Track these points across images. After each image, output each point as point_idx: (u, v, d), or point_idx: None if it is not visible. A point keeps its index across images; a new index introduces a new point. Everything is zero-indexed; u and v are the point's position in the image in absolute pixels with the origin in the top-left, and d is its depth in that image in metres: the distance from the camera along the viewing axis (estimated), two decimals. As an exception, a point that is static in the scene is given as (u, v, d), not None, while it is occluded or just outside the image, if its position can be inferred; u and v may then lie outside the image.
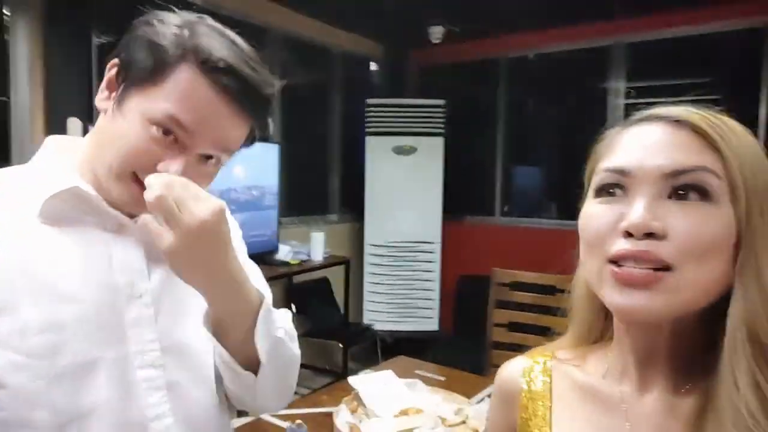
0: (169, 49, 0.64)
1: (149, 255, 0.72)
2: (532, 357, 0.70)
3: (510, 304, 2.36)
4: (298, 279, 3.37)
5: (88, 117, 2.35)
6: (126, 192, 0.67)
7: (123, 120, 0.66)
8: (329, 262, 3.38)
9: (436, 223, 3.80)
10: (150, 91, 0.65)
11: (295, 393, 1.73)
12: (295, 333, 0.80)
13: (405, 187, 3.80)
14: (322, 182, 4.18)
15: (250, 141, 0.73)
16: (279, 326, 0.73)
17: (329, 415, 1.50)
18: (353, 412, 1.51)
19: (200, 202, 0.59)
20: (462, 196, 4.04)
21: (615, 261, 0.52)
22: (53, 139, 0.75)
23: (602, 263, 0.53)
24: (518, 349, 2.57)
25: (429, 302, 3.81)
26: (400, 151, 3.81)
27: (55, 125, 2.40)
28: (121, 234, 0.71)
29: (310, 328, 3.30)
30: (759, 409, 0.48)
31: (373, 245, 3.79)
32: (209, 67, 0.64)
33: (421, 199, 3.80)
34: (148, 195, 0.59)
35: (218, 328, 0.67)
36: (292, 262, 3.16)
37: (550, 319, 2.24)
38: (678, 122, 0.53)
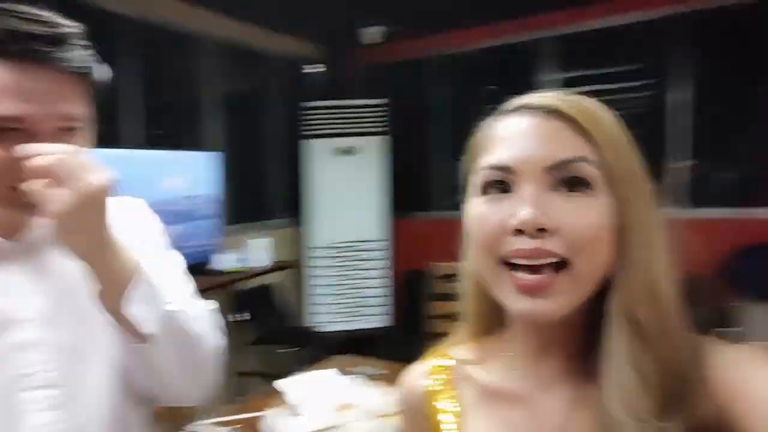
0: None
1: (39, 275, 0.71)
2: (433, 360, 0.69)
3: (451, 296, 2.40)
4: (244, 286, 3.32)
5: None
6: (3, 214, 0.66)
7: None
8: (274, 267, 3.35)
9: (384, 221, 3.82)
10: None
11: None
12: (207, 317, 0.78)
13: (348, 187, 3.80)
14: (264, 188, 4.13)
15: (89, 92, 0.70)
16: (170, 301, 0.71)
17: (255, 421, 1.50)
18: (281, 414, 1.51)
19: (92, 171, 0.60)
20: (410, 193, 4.07)
21: (509, 261, 0.52)
22: None
23: (496, 264, 0.53)
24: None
25: (379, 299, 3.82)
26: (341, 152, 3.81)
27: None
28: (3, 258, 0.69)
29: (258, 335, 3.26)
30: (641, 389, 0.49)
31: (318, 247, 3.78)
32: (4, 45, 0.62)
33: (366, 198, 3.82)
34: (43, 159, 0.59)
35: (101, 299, 0.67)
36: (236, 270, 3.12)
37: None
38: (550, 112, 0.53)
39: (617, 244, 0.51)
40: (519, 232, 0.50)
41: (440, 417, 0.64)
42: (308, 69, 4.25)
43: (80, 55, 0.67)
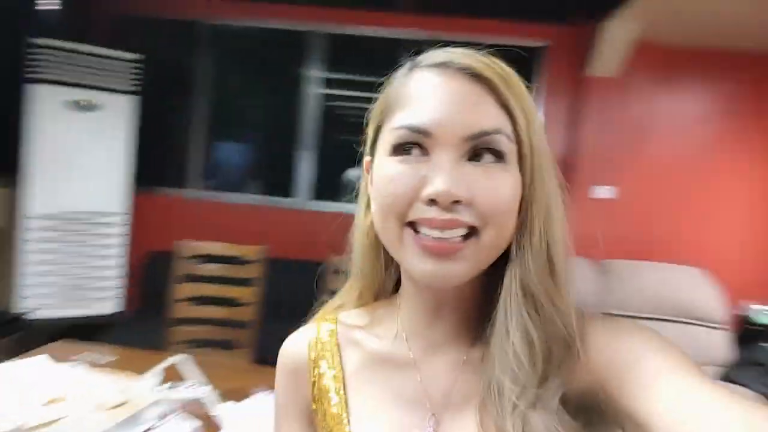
0: None
1: None
2: (317, 325, 0.66)
3: (198, 278, 2.26)
4: None
5: None
6: None
7: None
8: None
9: (122, 194, 3.37)
10: None
11: None
12: None
13: (83, 148, 3.24)
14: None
15: None
16: None
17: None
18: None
19: None
20: (156, 165, 3.68)
21: (413, 225, 0.51)
22: None
23: (400, 226, 0.52)
24: (199, 322, 2.49)
25: (110, 282, 3.35)
26: (78, 106, 3.23)
27: None
28: None
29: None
30: (526, 354, 0.50)
31: (34, 217, 3.13)
32: None
33: (104, 165, 3.30)
34: None
35: None
36: None
37: (234, 290, 2.23)
38: (473, 76, 0.51)
39: (520, 216, 0.52)
40: (432, 201, 0.49)
41: (324, 382, 0.62)
42: (43, 3, 3.51)
43: None
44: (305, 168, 3.75)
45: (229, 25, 3.80)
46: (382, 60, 3.77)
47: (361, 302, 0.67)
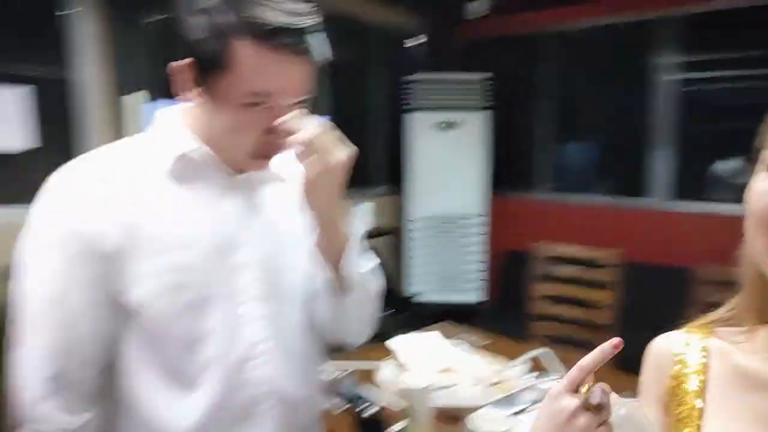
0: (215, 38, 0.71)
1: (251, 207, 0.84)
2: (689, 332, 0.65)
3: (553, 278, 2.38)
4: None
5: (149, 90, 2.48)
6: (251, 163, 0.80)
7: (221, 110, 0.75)
8: (374, 233, 3.46)
9: (482, 198, 3.82)
10: (228, 78, 0.72)
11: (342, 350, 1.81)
12: (376, 276, 0.92)
13: (448, 161, 3.82)
14: (367, 157, 4.24)
15: (321, 66, 0.80)
16: (364, 263, 0.87)
17: (371, 371, 1.59)
18: (393, 369, 1.59)
19: (339, 147, 0.76)
20: (510, 171, 4.02)
21: None
22: (162, 112, 0.84)
23: None
24: (558, 320, 2.60)
25: (474, 275, 3.85)
26: (442, 126, 3.83)
27: (115, 100, 2.55)
28: (229, 190, 0.82)
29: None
30: None
31: (416, 219, 3.85)
32: (261, 36, 0.70)
33: (465, 174, 3.82)
34: (304, 134, 0.73)
35: (324, 251, 0.82)
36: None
37: (591, 292, 2.26)
38: None
39: None
40: None
41: (686, 387, 0.60)
42: (411, 42, 4.26)
43: (322, 43, 0.76)
44: (661, 165, 3.45)
45: (571, 29, 3.83)
46: (749, 34, 3.16)
47: (741, 322, 0.61)
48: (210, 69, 0.73)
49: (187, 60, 0.74)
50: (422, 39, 4.28)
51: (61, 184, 0.77)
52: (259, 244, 0.84)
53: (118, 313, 0.77)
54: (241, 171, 0.83)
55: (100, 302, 0.76)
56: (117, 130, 2.57)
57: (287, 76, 0.74)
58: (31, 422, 0.76)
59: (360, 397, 1.41)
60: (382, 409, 1.37)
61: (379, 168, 4.24)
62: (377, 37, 4.08)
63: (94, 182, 0.76)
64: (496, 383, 1.55)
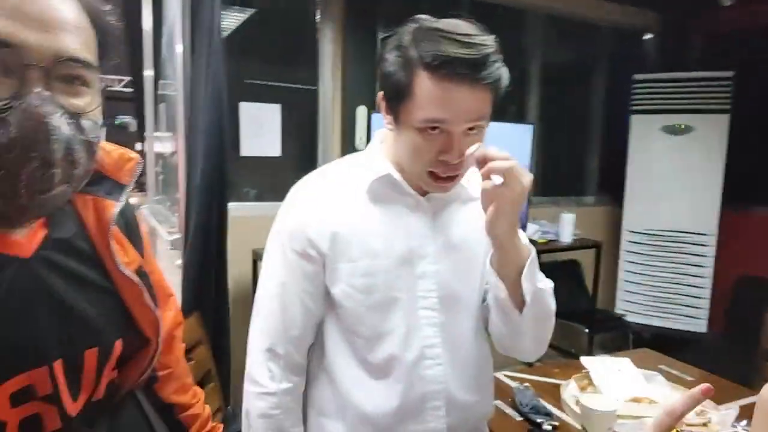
0: (402, 71, 0.82)
1: (434, 225, 0.96)
2: None
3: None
4: (545, 259, 3.39)
5: (372, 105, 2.77)
6: (431, 184, 0.90)
7: (405, 134, 0.86)
8: (579, 245, 3.31)
9: (712, 214, 3.34)
10: (409, 106, 0.83)
11: (527, 364, 1.83)
12: (553, 294, 0.95)
13: (675, 170, 3.42)
14: (579, 163, 4.05)
15: (497, 95, 0.85)
16: (541, 280, 0.90)
17: (557, 386, 1.57)
18: (582, 389, 1.55)
19: (525, 175, 0.80)
20: (749, 183, 3.44)
21: None
22: (379, 133, 1.01)
23: None
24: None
25: (696, 300, 3.39)
26: (671, 130, 3.44)
27: (349, 112, 2.91)
28: (416, 209, 0.96)
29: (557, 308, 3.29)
30: None
31: (633, 231, 3.55)
32: (435, 67, 0.79)
33: (694, 185, 3.38)
34: (502, 164, 0.79)
35: (500, 270, 0.88)
36: (540, 241, 3.20)
37: None
38: None
39: None
40: None
41: None
42: (641, 38, 3.91)
43: (496, 70, 0.81)
44: None
45: None
46: None
47: None
48: (396, 99, 0.85)
49: (382, 90, 0.88)
50: (651, 35, 3.91)
51: (297, 195, 0.98)
52: (439, 258, 0.94)
53: (325, 304, 0.96)
54: (425, 193, 0.94)
55: (311, 294, 0.95)
56: (349, 140, 2.87)
57: (461, 103, 0.80)
58: (248, 382, 0.98)
59: (539, 411, 1.43)
60: (560, 425, 1.36)
61: (591, 174, 4.03)
62: (603, 36, 3.89)
63: (318, 197, 0.95)
64: (699, 425, 1.39)
